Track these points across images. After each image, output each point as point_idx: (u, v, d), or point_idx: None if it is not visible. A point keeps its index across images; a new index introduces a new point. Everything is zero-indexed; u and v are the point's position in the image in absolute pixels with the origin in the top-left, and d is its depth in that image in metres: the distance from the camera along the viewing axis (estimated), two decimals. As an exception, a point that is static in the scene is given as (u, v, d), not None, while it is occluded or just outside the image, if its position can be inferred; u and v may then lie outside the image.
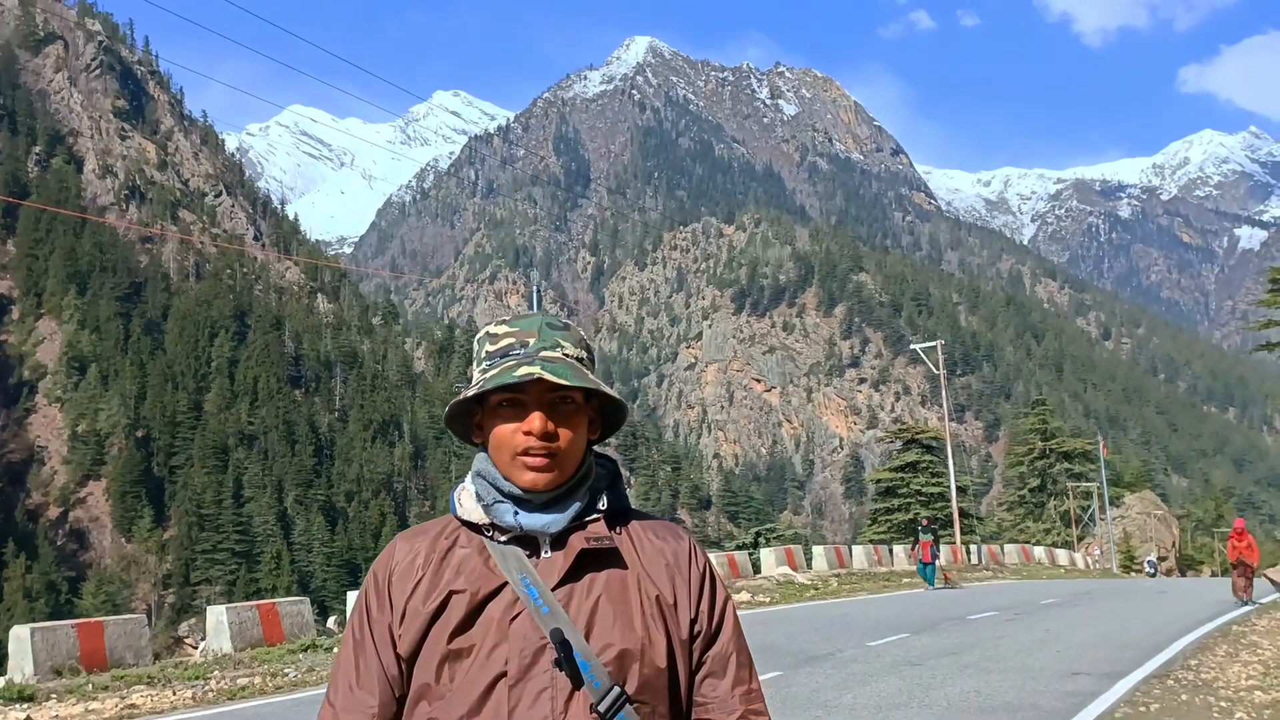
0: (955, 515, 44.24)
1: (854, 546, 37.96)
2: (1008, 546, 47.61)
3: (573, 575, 1.64)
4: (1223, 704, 9.38)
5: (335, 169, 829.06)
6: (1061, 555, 52.05)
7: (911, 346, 58.34)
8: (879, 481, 64.21)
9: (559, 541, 1.66)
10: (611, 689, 1.58)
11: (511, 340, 1.69)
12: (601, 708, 1.57)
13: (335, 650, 14.32)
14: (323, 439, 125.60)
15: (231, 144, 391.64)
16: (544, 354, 1.65)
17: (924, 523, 29.78)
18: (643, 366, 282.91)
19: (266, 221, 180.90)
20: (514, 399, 1.65)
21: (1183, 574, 64.29)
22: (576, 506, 1.68)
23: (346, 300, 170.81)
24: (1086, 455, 70.70)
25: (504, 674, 1.58)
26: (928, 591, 25.19)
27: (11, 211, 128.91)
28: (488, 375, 1.66)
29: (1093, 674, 11.13)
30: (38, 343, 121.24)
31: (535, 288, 38.79)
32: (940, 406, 56.26)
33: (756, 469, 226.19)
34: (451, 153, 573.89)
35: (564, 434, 1.64)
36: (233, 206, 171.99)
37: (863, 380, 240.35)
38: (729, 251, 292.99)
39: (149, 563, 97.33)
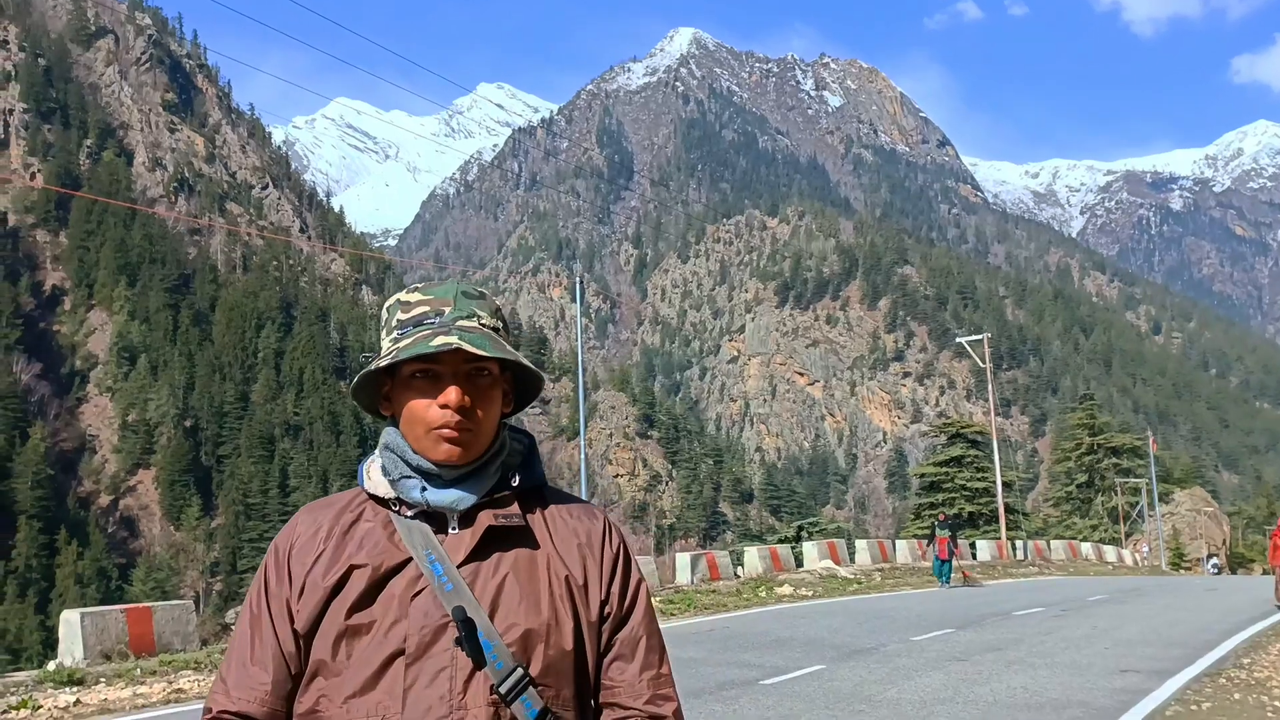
0: (1001, 511, 43.76)
1: (897, 541, 37.68)
2: (1054, 543, 47.03)
3: (480, 553, 1.58)
4: (1277, 704, 9.18)
5: (380, 161, 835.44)
6: (1109, 552, 51.34)
7: (957, 340, 57.70)
8: (923, 476, 63.71)
9: (467, 518, 1.60)
10: (514, 670, 1.53)
11: (426, 309, 1.61)
12: (503, 689, 1.52)
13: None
14: (367, 430, 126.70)
15: (278, 137, 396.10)
16: (460, 323, 1.58)
17: (940, 518, 28.73)
18: (685, 360, 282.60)
19: (312, 214, 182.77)
20: (428, 370, 1.57)
21: (1233, 572, 63.23)
22: (485, 483, 1.62)
23: (390, 292, 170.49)
24: (1135, 451, 69.73)
25: (402, 651, 1.52)
26: (940, 590, 24.46)
27: (64, 204, 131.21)
28: (400, 345, 1.57)
29: (1142, 671, 10.94)
30: (89, 333, 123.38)
31: (578, 280, 38.83)
32: (985, 401, 55.68)
33: (799, 463, 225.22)
34: (495, 145, 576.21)
35: (480, 407, 1.58)
36: (279, 199, 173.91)
37: (907, 374, 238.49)
38: (772, 244, 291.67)
39: (197, 550, 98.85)
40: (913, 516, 63.29)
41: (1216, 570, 52.74)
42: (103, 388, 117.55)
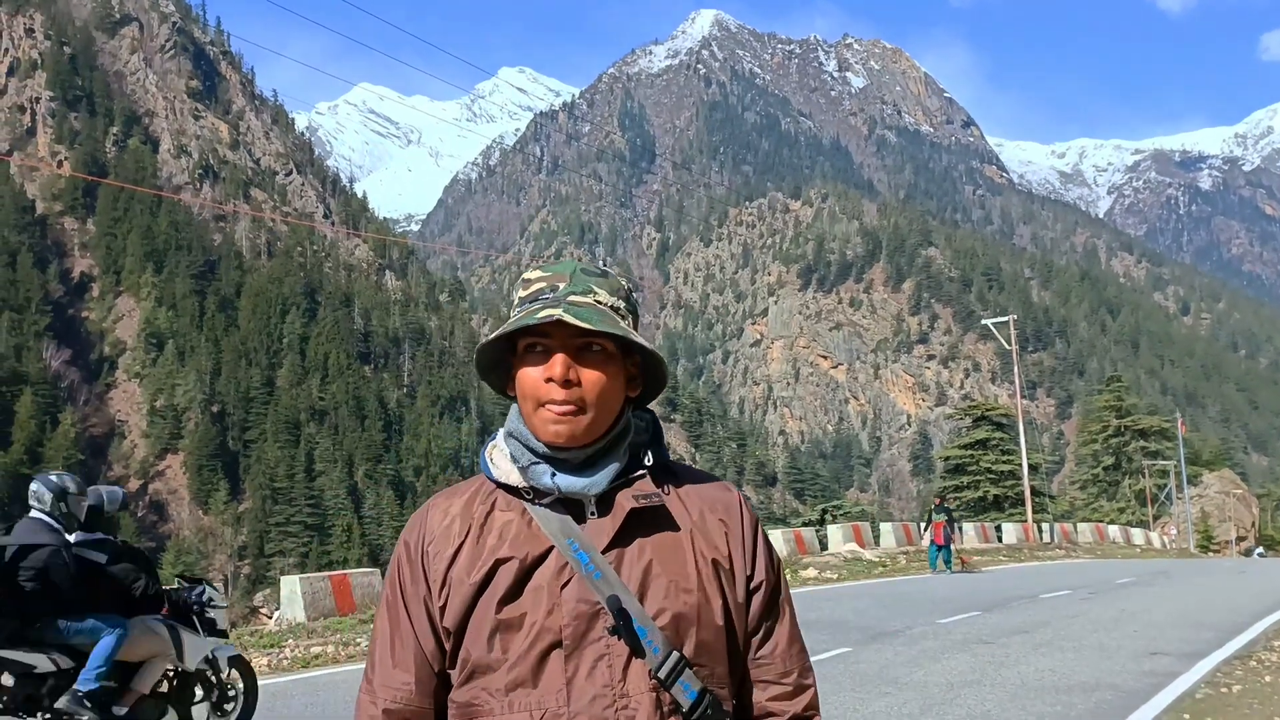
0: (1027, 493, 43.57)
1: (922, 524, 37.57)
2: (1081, 525, 46.79)
3: (622, 538, 1.56)
4: (1309, 687, 9.10)
5: (403, 147, 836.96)
6: (1137, 535, 51.03)
7: (983, 321, 57.38)
8: (948, 459, 63.45)
9: (605, 502, 1.57)
10: (670, 654, 1.52)
11: (543, 285, 1.59)
12: (661, 674, 1.51)
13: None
14: (391, 414, 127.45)
15: (301, 123, 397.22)
16: (572, 298, 1.55)
17: (936, 501, 26.42)
18: (708, 343, 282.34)
19: (336, 200, 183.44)
20: (539, 343, 1.55)
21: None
22: (616, 466, 1.59)
23: (414, 277, 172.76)
24: (1163, 433, 69.20)
25: (558, 643, 1.51)
26: (933, 576, 22.92)
27: (91, 191, 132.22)
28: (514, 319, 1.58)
29: (1171, 654, 10.87)
30: (117, 319, 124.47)
31: (601, 264, 38.76)
32: (1010, 383, 55.43)
33: (823, 446, 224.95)
34: (517, 129, 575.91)
35: (589, 380, 1.54)
36: (303, 185, 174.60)
37: (931, 357, 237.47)
38: (795, 227, 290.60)
39: (225, 534, 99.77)
40: (937, 499, 63.11)
41: (1262, 554, 52.20)
42: (131, 373, 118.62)
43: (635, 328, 1.61)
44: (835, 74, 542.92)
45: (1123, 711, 7.97)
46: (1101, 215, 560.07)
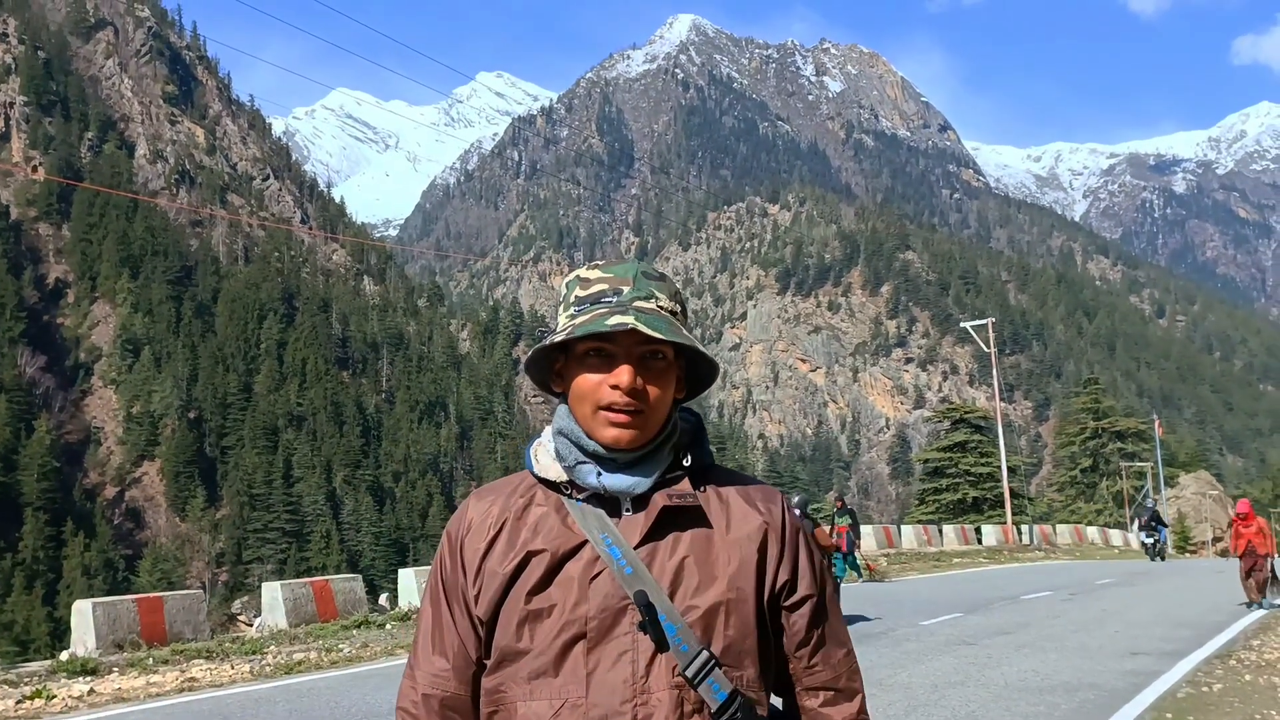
0: (1006, 495, 43.78)
1: (902, 526, 37.73)
2: (1060, 527, 47.09)
3: (655, 534, 1.57)
4: (1289, 684, 9.18)
5: (380, 151, 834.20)
6: (1115, 536, 51.40)
7: (961, 324, 57.62)
8: (927, 461, 63.65)
9: (640, 500, 1.59)
10: (700, 653, 1.52)
11: (604, 286, 1.59)
12: (689, 672, 1.51)
13: (388, 626, 14.46)
14: (370, 420, 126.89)
15: (278, 128, 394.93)
16: (638, 304, 1.56)
17: (838, 505, 23.17)
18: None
19: (313, 204, 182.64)
20: (602, 349, 1.56)
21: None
22: (660, 466, 1.61)
23: (392, 282, 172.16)
24: (1140, 435, 69.71)
25: (583, 634, 1.53)
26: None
27: (66, 196, 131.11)
28: (577, 321, 1.56)
29: (1152, 653, 10.96)
30: (93, 325, 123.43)
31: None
32: (989, 386, 55.64)
33: (802, 449, 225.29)
34: (495, 134, 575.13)
35: (652, 390, 1.56)
36: (280, 190, 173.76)
37: (909, 360, 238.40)
38: (773, 231, 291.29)
39: (202, 541, 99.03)
40: (917, 502, 63.24)
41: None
42: (107, 380, 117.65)
43: (686, 326, 1.63)
44: (813, 78, 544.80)
45: (1106, 711, 8.03)
46: (1077, 218, 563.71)
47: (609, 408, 1.55)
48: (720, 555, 1.58)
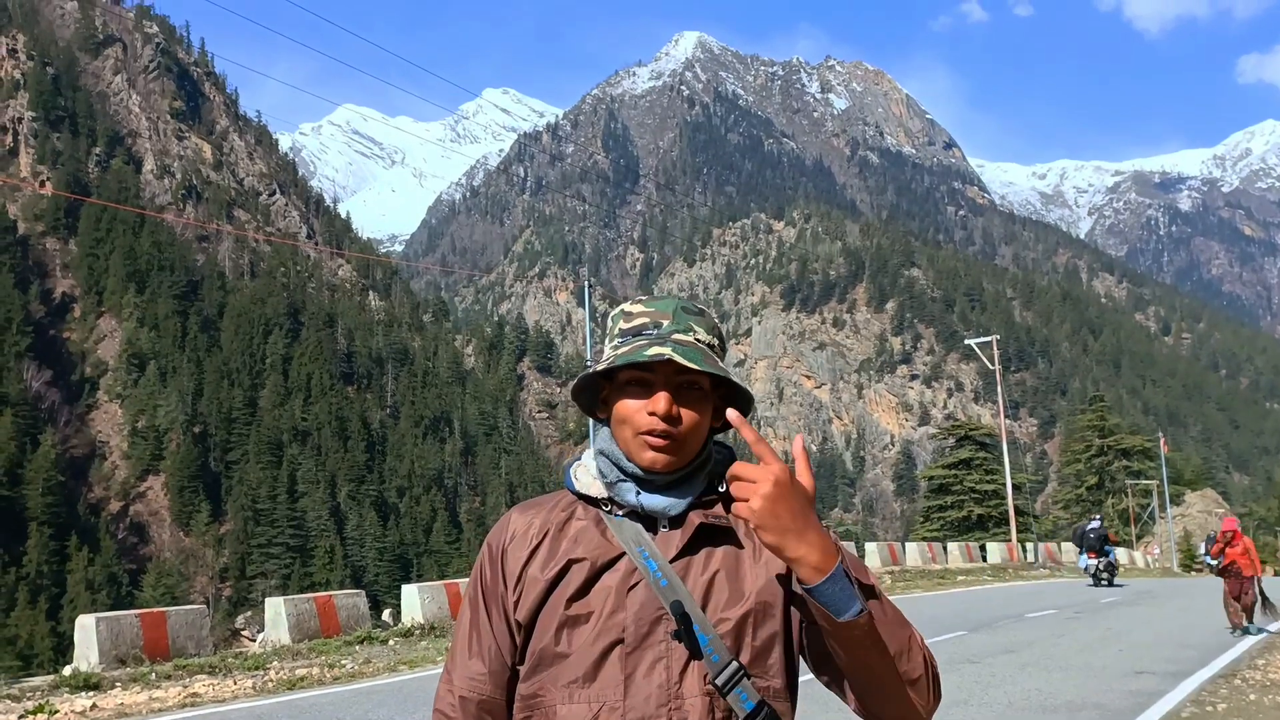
0: (1011, 513, 43.70)
1: (907, 544, 37.59)
2: (1065, 545, 46.93)
3: (690, 549, 1.65)
4: (1294, 705, 9.14)
5: (386, 167, 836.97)
6: (1121, 554, 51.21)
7: (966, 342, 57.62)
8: (932, 479, 63.56)
9: (677, 519, 1.68)
10: (730, 663, 1.59)
11: (645, 320, 1.70)
12: (719, 681, 1.58)
13: (391, 642, 14.44)
14: (375, 435, 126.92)
15: (285, 144, 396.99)
16: (676, 336, 1.66)
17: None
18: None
19: (319, 220, 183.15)
20: (642, 378, 1.66)
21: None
22: (696, 489, 1.70)
23: (398, 297, 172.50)
24: (1146, 453, 69.57)
25: (620, 640, 1.60)
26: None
27: (73, 211, 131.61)
28: (619, 352, 1.66)
29: (1157, 673, 10.92)
30: (99, 340, 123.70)
31: (585, 284, 38.90)
32: (993, 403, 55.62)
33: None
34: (501, 150, 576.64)
35: (687, 418, 1.65)
36: (286, 205, 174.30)
37: (914, 376, 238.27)
38: (778, 247, 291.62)
39: (206, 556, 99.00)
40: (922, 519, 63.14)
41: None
42: (112, 394, 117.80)
43: (723, 360, 1.73)
44: (818, 95, 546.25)
45: (1110, 730, 8.00)
46: (1082, 236, 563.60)
47: (649, 432, 1.64)
48: (749, 573, 1.65)
